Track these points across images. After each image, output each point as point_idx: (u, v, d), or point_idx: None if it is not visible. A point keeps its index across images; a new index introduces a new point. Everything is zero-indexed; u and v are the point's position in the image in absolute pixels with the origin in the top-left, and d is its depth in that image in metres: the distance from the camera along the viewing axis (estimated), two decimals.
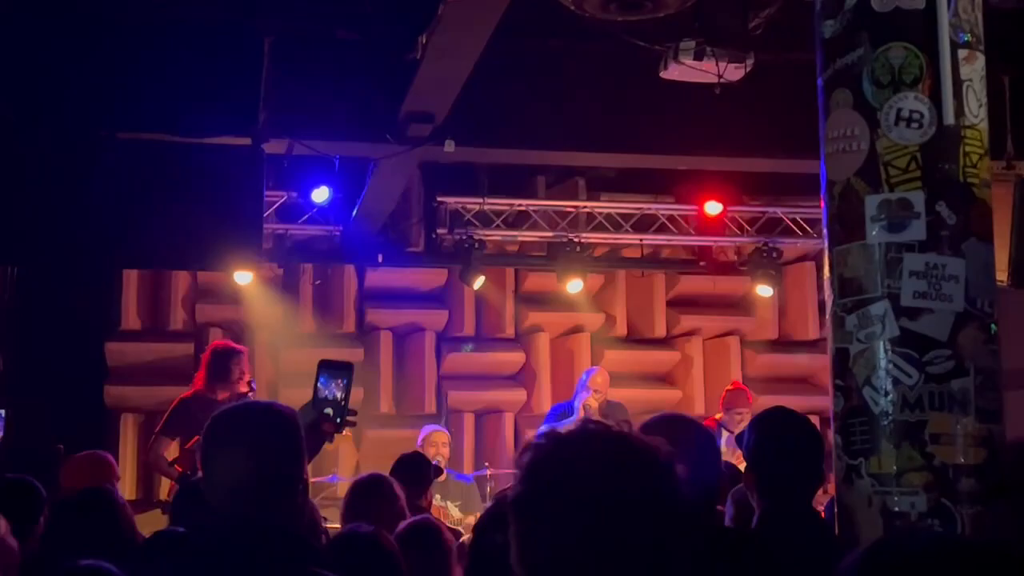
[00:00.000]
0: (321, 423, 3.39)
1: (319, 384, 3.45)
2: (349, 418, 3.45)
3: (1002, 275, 7.62)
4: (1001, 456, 3.22)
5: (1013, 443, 3.35)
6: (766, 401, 10.17)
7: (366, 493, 4.99)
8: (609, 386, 8.82)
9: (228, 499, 2.72)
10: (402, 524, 4.24)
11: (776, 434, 3.72)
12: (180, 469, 7.47)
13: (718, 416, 8.91)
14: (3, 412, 6.95)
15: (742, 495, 4.26)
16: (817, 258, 10.16)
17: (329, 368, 3.48)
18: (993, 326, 3.22)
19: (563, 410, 8.81)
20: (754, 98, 7.35)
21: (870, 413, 3.19)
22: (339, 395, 3.44)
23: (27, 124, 7.06)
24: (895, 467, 3.15)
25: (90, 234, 7.25)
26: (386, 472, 5.68)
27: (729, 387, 9.28)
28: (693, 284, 10.81)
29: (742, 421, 8.53)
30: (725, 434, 8.59)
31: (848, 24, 3.26)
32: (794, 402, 8.27)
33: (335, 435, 3.46)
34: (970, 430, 3.15)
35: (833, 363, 3.32)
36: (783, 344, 10.92)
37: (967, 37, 3.23)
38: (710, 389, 10.73)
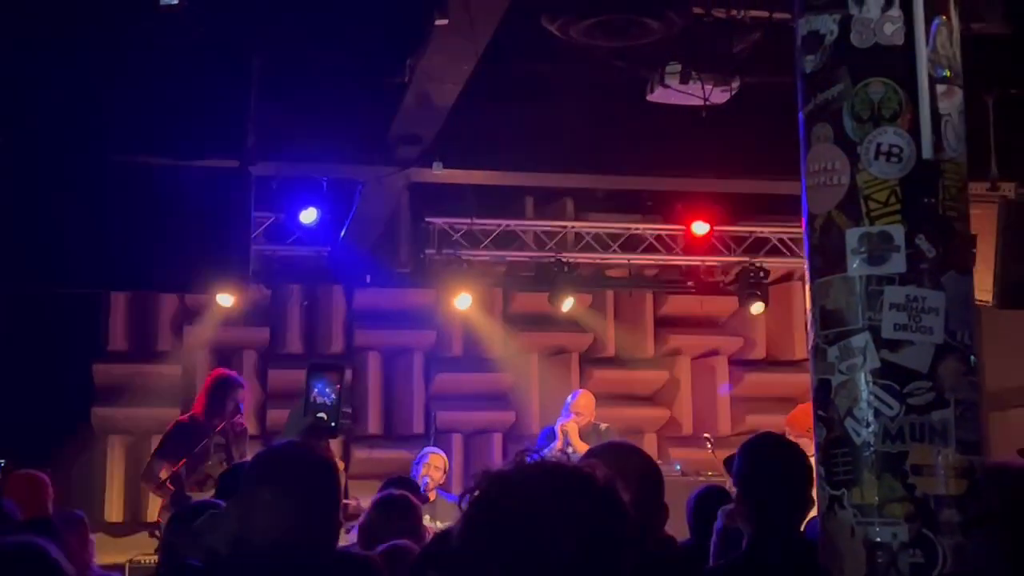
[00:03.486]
0: (315, 429, 3.30)
1: (310, 388, 3.34)
2: (344, 421, 3.37)
3: (987, 295, 7.63)
4: (982, 483, 3.23)
5: (992, 468, 3.36)
6: (753, 420, 10.23)
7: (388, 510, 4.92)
8: (594, 409, 8.79)
9: (269, 538, 2.75)
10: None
11: (766, 460, 3.76)
12: (173, 489, 7.50)
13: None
14: (3, 461, 6.92)
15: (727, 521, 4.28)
16: (804, 278, 10.15)
17: (319, 371, 3.36)
18: (972, 358, 3.24)
19: (550, 432, 8.81)
20: (740, 120, 7.38)
21: (852, 444, 3.20)
22: (332, 398, 3.33)
23: (14, 147, 7.06)
24: (877, 498, 3.15)
25: (77, 256, 7.25)
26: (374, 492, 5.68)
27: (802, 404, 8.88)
28: (680, 304, 10.84)
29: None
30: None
31: (828, 59, 3.28)
32: (781, 422, 8.31)
33: (330, 440, 3.39)
34: (951, 461, 3.16)
35: (815, 394, 3.33)
36: (770, 363, 10.94)
37: (945, 72, 3.25)
38: (697, 409, 10.75)
